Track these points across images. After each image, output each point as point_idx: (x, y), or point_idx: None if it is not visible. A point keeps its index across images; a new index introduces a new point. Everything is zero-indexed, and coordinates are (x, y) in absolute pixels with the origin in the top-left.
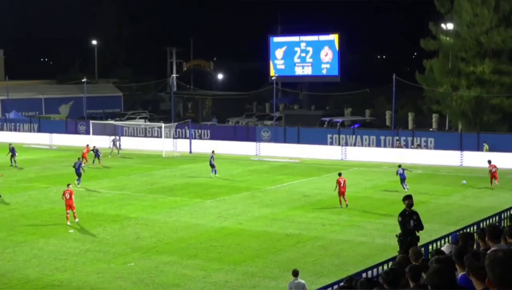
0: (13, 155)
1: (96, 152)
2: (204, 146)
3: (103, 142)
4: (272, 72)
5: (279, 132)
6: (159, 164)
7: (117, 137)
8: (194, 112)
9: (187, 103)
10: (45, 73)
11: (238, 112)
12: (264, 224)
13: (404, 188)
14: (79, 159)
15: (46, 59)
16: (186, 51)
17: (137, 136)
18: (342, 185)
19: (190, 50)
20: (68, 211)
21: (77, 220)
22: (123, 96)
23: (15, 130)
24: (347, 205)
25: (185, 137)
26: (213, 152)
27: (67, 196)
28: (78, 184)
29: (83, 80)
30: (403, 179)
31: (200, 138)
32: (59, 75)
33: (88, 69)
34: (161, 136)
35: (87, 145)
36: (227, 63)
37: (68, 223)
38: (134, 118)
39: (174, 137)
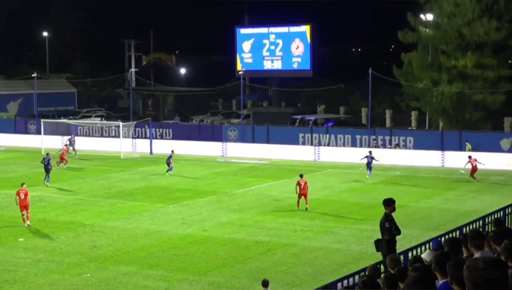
0: None
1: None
2: (166, 146)
3: (55, 142)
4: (239, 67)
5: (247, 131)
6: (117, 166)
7: (73, 137)
8: (154, 110)
9: (147, 100)
10: None
11: (202, 110)
12: (231, 231)
13: (368, 175)
14: (48, 154)
15: None
16: (146, 44)
17: (93, 136)
18: (302, 186)
19: (150, 42)
20: (23, 212)
21: (28, 222)
22: (77, 93)
23: None
24: (306, 208)
25: (145, 137)
26: (172, 151)
27: (22, 196)
28: (47, 181)
29: (33, 75)
30: (370, 168)
31: (162, 138)
32: (7, 70)
33: (39, 63)
34: (119, 136)
35: (66, 145)
36: (190, 57)
37: (26, 224)
38: (90, 116)
39: (133, 137)
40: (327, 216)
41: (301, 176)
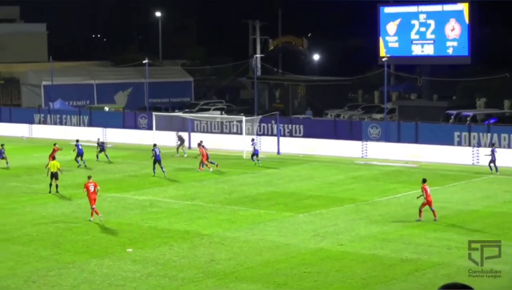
0: (102, 150)
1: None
2: (295, 145)
3: (168, 139)
4: (383, 52)
5: (392, 128)
6: (239, 167)
7: (179, 134)
8: (283, 102)
9: (274, 91)
10: (97, 53)
11: (339, 103)
12: (372, 246)
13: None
14: (155, 145)
15: (99, 36)
16: (273, 26)
17: (211, 132)
18: (429, 192)
19: (278, 24)
20: (94, 206)
21: (92, 218)
22: (194, 82)
23: (60, 123)
24: (435, 219)
25: (272, 135)
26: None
27: (91, 189)
28: (165, 173)
29: (144, 61)
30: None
31: (291, 135)
32: (115, 56)
33: (151, 48)
34: (241, 133)
35: (55, 144)
36: (324, 41)
37: (99, 217)
38: (208, 109)
39: (257, 134)
40: (488, 231)
41: (424, 181)
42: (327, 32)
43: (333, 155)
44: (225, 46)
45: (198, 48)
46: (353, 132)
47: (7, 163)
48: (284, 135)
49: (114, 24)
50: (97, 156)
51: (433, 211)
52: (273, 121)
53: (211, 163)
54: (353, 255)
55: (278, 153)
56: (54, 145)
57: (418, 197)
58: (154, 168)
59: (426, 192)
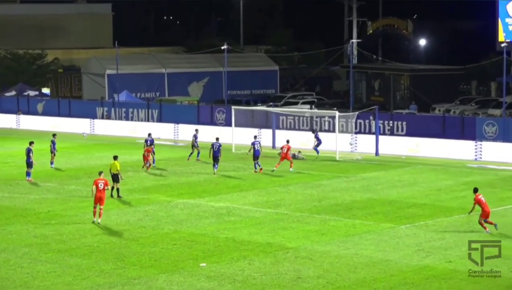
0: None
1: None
2: (397, 145)
3: (249, 136)
4: (502, 37)
5: (511, 126)
6: (331, 170)
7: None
8: (383, 95)
9: (373, 81)
10: (169, 38)
11: (448, 96)
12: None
13: None
14: (217, 139)
15: (171, 18)
16: (373, 6)
17: (299, 129)
18: (484, 203)
19: (378, 4)
20: (96, 205)
21: (99, 220)
22: (280, 71)
23: (126, 118)
24: (496, 227)
25: (370, 132)
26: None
27: (100, 186)
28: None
29: (222, 47)
30: None
31: (392, 133)
32: (188, 41)
33: (230, 32)
34: (334, 130)
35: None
36: (432, 23)
37: (95, 219)
38: (296, 103)
39: (353, 132)
40: None
41: (475, 190)
42: (436, 13)
43: (441, 156)
44: (317, 29)
45: (285, 32)
46: (465, 131)
47: (51, 162)
48: (384, 134)
49: (189, 5)
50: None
51: (488, 222)
52: (371, 117)
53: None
54: (463, 274)
55: (377, 154)
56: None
57: (469, 213)
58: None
59: (481, 203)
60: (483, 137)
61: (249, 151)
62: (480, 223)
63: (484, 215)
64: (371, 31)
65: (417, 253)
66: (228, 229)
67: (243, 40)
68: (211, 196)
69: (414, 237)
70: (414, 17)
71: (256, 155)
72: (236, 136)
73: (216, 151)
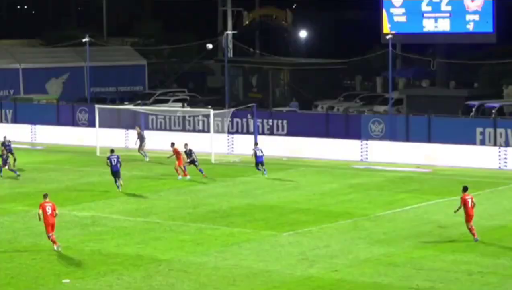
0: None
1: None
2: (277, 146)
3: (116, 139)
4: (387, 28)
5: (398, 124)
6: (206, 174)
7: (139, 131)
8: (261, 91)
9: (250, 77)
10: (23, 30)
11: (332, 92)
12: (374, 272)
13: None
14: (112, 151)
15: (25, 7)
16: None
17: (170, 129)
18: (470, 205)
19: None
20: (51, 234)
21: (59, 247)
22: (148, 66)
23: None
24: (475, 239)
25: (248, 132)
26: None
27: (48, 211)
28: (119, 186)
29: (84, 40)
30: None
31: (272, 133)
32: (46, 32)
33: (93, 23)
34: (208, 131)
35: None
36: (313, 14)
37: (55, 246)
38: (167, 101)
39: (229, 132)
40: None
41: (465, 189)
42: (317, 2)
43: (325, 157)
44: (188, 20)
45: (153, 23)
46: (350, 129)
47: None
48: (263, 133)
49: None
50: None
51: (470, 229)
52: (249, 116)
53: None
54: (351, 284)
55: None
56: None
57: (456, 211)
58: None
59: (467, 204)
60: (369, 136)
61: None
62: (469, 229)
63: (468, 219)
64: (247, 22)
65: (301, 262)
66: (94, 241)
67: (107, 32)
68: (74, 204)
69: (298, 245)
70: (294, 6)
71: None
72: (100, 139)
73: (115, 165)
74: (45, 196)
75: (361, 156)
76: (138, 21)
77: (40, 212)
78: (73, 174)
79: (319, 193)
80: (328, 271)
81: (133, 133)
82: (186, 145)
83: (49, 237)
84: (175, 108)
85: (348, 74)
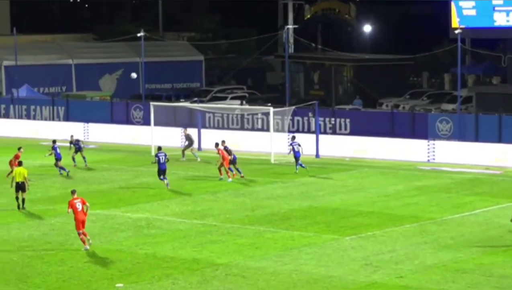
0: (78, 150)
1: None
2: (340, 146)
3: (171, 137)
4: (455, 22)
5: (468, 123)
6: (265, 174)
7: (187, 132)
8: (323, 88)
9: (312, 73)
10: (76, 24)
11: (397, 90)
12: (441, 279)
13: None
14: (160, 148)
15: (78, 0)
16: None
17: (228, 128)
18: None
19: None
20: (80, 231)
21: (88, 246)
22: (206, 62)
23: (28, 117)
24: None
25: (309, 131)
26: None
27: (78, 207)
28: (167, 185)
29: (139, 34)
30: None
31: (334, 132)
32: (99, 27)
33: (147, 17)
34: (268, 129)
35: (20, 149)
36: (378, 7)
37: (86, 246)
38: (224, 98)
39: (289, 131)
40: None
41: None
42: None
43: (390, 158)
44: (247, 14)
45: (211, 16)
46: (416, 129)
47: None
48: (325, 133)
49: None
50: (73, 159)
51: None
52: (310, 114)
53: (231, 170)
54: None
55: (317, 155)
56: (19, 149)
57: None
58: (160, 178)
59: None
60: (436, 136)
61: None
62: None
63: None
64: (309, 16)
65: (364, 267)
66: (148, 244)
67: (163, 26)
68: (127, 205)
69: (361, 249)
70: (358, 0)
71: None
72: (155, 137)
73: (163, 163)
74: (73, 192)
75: (428, 156)
76: (195, 15)
77: (70, 210)
78: (127, 174)
79: (383, 195)
80: (392, 277)
81: (191, 131)
82: (223, 142)
83: (79, 234)
84: (233, 106)
85: (415, 70)
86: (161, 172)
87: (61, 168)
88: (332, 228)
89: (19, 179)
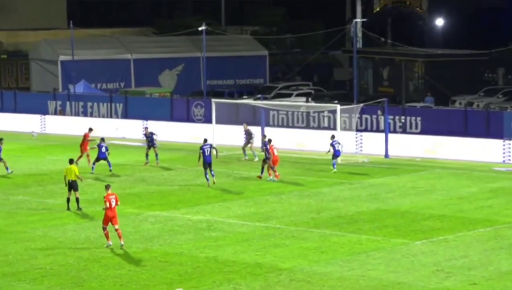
0: (152, 145)
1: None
2: (410, 145)
3: (233, 135)
4: None
5: None
6: (332, 175)
7: (247, 128)
8: (393, 85)
9: (381, 69)
10: (135, 17)
11: (471, 86)
12: None
13: None
14: (206, 140)
15: None
16: None
17: (293, 126)
18: None
19: None
20: (106, 226)
21: (122, 242)
22: (270, 57)
23: (85, 114)
24: None
25: (378, 130)
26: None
27: (112, 203)
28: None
29: (200, 28)
30: None
31: (404, 131)
32: (159, 21)
33: (208, 10)
34: (334, 128)
35: (90, 130)
36: (450, 0)
37: (109, 242)
38: (289, 95)
39: (357, 130)
40: None
41: None
42: None
43: (463, 158)
44: (314, 7)
45: (275, 10)
46: (491, 128)
47: (6, 167)
48: (394, 131)
49: None
50: (146, 155)
51: None
52: (379, 112)
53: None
54: None
55: (387, 155)
56: (90, 130)
57: None
58: (205, 172)
59: None
60: None
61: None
62: None
63: None
64: (378, 9)
65: (436, 274)
66: (209, 247)
67: (225, 19)
68: (187, 207)
69: (432, 254)
70: None
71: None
72: (217, 136)
73: (208, 156)
74: (107, 187)
75: (503, 157)
76: (258, 7)
77: (108, 205)
78: (187, 174)
79: (456, 197)
80: (465, 284)
81: (254, 130)
82: (265, 136)
83: (103, 229)
84: (299, 103)
85: (490, 66)
86: (206, 164)
87: (93, 166)
88: (402, 231)
89: (70, 177)
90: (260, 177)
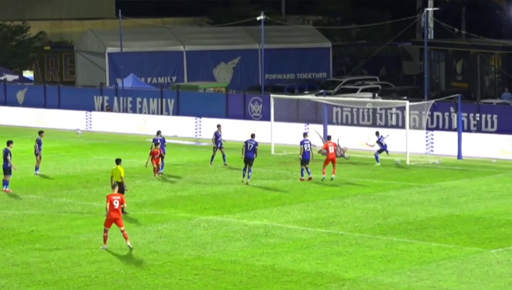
0: (219, 146)
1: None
2: (486, 145)
3: (293, 134)
4: None
5: None
6: (400, 178)
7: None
8: (467, 80)
9: (455, 63)
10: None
11: None
12: None
13: None
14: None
15: None
16: None
17: (358, 124)
18: None
19: None
20: (107, 228)
21: (129, 243)
22: (333, 49)
23: (133, 110)
24: None
25: (450, 129)
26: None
27: (116, 205)
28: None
29: (258, 18)
30: None
31: (479, 130)
32: (214, 10)
33: None
34: (403, 126)
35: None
36: None
37: (105, 245)
38: (354, 90)
39: (428, 128)
40: None
41: None
42: None
43: None
44: None
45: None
46: None
47: (36, 167)
48: (468, 130)
49: None
50: (212, 157)
51: None
52: (452, 109)
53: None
54: None
55: (460, 156)
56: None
57: None
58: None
59: None
60: None
61: (300, 153)
62: None
63: None
64: None
65: None
66: (266, 255)
67: (286, 8)
68: (243, 211)
69: (508, 264)
70: None
71: (305, 158)
72: (276, 134)
73: (250, 151)
74: (114, 187)
75: None
76: None
77: (108, 205)
78: (238, 175)
79: None
80: None
81: (314, 128)
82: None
83: (104, 231)
84: (364, 99)
85: None
86: (246, 160)
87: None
88: (476, 239)
89: (116, 179)
90: (302, 180)
